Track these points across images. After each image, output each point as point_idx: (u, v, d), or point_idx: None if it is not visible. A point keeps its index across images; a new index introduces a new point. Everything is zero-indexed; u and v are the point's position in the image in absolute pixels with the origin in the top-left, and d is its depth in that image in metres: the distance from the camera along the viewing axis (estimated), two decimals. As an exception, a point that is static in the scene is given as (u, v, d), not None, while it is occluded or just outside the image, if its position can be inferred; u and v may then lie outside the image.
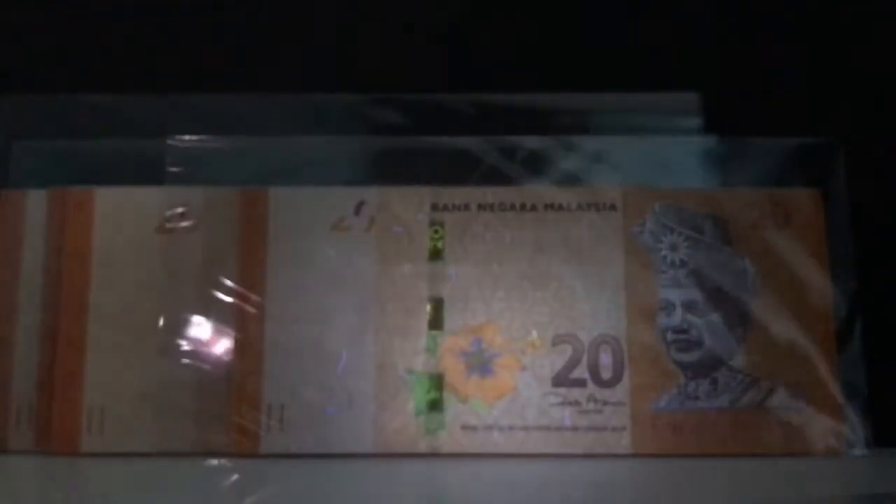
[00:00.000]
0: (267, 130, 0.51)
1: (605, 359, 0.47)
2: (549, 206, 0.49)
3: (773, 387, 0.47)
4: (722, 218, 0.48)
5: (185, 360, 0.47)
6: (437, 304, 0.48)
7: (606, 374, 0.47)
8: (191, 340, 0.47)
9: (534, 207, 0.49)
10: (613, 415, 0.47)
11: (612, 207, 0.49)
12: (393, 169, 0.50)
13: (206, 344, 0.47)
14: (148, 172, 0.50)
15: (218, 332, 0.47)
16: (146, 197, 0.49)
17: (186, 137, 0.50)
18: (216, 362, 0.47)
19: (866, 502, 0.40)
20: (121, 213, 0.49)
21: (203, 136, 0.50)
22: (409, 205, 0.49)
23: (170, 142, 0.50)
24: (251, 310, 0.48)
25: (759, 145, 0.50)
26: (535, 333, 0.48)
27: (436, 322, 0.48)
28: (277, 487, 0.42)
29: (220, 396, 0.47)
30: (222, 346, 0.47)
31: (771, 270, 0.48)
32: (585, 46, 0.55)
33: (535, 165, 0.50)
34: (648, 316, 0.48)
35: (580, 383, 0.47)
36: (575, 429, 0.47)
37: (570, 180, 0.50)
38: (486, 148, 0.50)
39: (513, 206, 0.49)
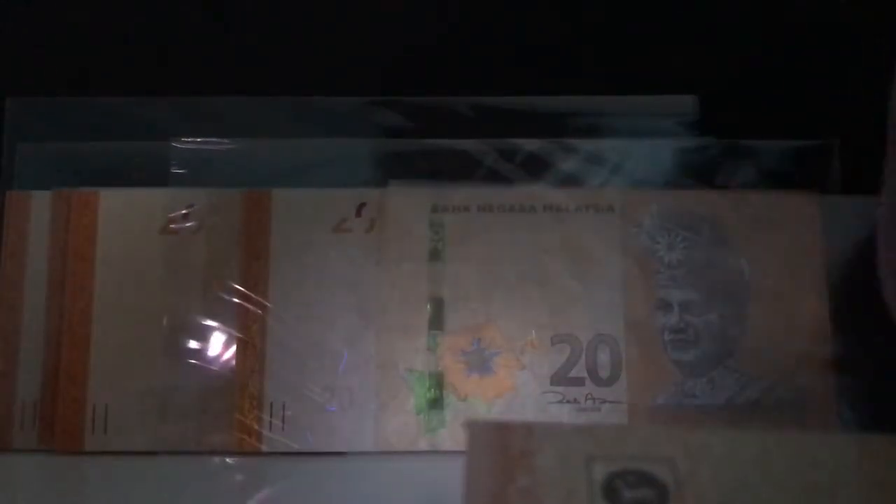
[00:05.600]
0: (270, 133, 0.51)
1: (604, 358, 0.48)
2: (548, 208, 0.49)
3: (770, 386, 0.47)
4: (719, 219, 0.49)
5: (189, 360, 0.47)
6: (438, 304, 0.48)
7: (604, 373, 0.47)
8: (194, 340, 0.48)
9: (533, 209, 0.49)
10: (611, 413, 0.47)
11: (610, 209, 0.49)
12: (393, 171, 0.50)
13: (209, 343, 0.48)
14: (152, 174, 0.50)
15: (221, 332, 0.48)
16: (150, 198, 0.49)
17: (190, 140, 0.51)
18: (219, 362, 0.48)
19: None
20: (125, 214, 0.49)
21: (207, 139, 0.51)
22: (410, 206, 0.49)
23: (174, 144, 0.50)
24: (254, 310, 0.48)
25: (756, 147, 0.50)
26: (534, 333, 0.48)
27: (436, 322, 0.48)
28: (280, 485, 0.43)
29: (222, 395, 0.47)
30: (225, 346, 0.48)
31: (767, 271, 0.48)
32: (583, 49, 0.55)
33: (535, 167, 0.50)
34: (646, 316, 0.48)
35: (578, 382, 0.47)
36: (573, 427, 0.47)
37: (569, 182, 0.50)
38: (485, 150, 0.51)
39: (512, 208, 0.49)
